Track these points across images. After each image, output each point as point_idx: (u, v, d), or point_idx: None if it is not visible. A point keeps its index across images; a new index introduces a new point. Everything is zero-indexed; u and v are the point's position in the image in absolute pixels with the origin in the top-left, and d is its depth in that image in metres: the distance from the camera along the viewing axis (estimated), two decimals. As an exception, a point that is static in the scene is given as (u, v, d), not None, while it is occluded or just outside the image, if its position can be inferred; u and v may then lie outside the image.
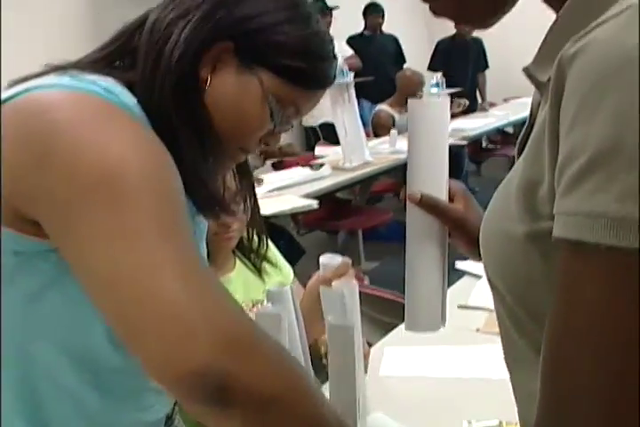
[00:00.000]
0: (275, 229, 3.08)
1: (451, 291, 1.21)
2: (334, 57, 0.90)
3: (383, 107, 5.08)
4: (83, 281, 0.65)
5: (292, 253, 3.28)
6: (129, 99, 0.77)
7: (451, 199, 0.90)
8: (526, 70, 0.59)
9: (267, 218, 2.62)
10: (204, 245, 0.97)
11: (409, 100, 0.87)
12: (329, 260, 1.24)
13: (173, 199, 0.69)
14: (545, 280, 0.52)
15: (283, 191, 3.01)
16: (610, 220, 0.41)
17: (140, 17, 0.87)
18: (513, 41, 7.19)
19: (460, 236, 0.88)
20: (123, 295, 0.61)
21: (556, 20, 0.55)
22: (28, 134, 0.67)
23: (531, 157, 0.54)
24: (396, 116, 4.98)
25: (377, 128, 4.97)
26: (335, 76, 0.91)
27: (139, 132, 0.72)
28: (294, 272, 3.31)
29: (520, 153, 0.63)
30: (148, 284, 0.60)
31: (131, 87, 0.79)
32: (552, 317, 0.48)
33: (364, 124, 4.65)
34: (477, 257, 0.64)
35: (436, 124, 0.87)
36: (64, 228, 0.65)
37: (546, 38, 0.56)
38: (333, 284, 1.03)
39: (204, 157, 0.84)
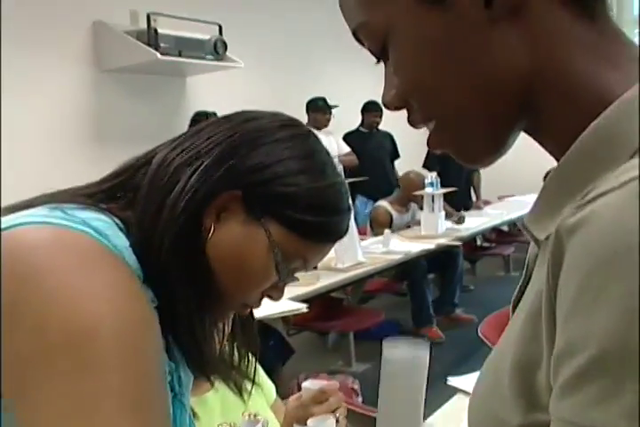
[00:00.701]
0: (264, 328, 3.00)
1: (442, 411, 1.11)
2: (349, 209, 0.84)
3: (383, 204, 5.10)
4: None
5: (282, 354, 3.18)
6: (121, 242, 0.71)
7: None
8: (521, 223, 0.54)
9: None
10: (189, 395, 0.90)
11: (383, 344, 0.78)
12: (312, 384, 1.18)
13: (146, 369, 0.62)
14: None
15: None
16: None
17: (147, 154, 0.82)
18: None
19: None
20: None
21: (556, 170, 0.50)
22: (6, 276, 0.61)
23: (527, 334, 0.48)
24: (395, 214, 5.00)
25: (374, 224, 4.97)
26: (348, 228, 0.85)
27: (122, 284, 0.66)
28: (283, 372, 3.18)
29: (515, 307, 0.57)
30: None
31: (127, 224, 0.74)
32: None
33: (358, 221, 4.64)
34: None
35: (412, 376, 0.77)
36: (20, 386, 0.59)
37: (545, 189, 0.51)
38: (309, 422, 0.95)
39: (202, 315, 0.77)
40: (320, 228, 0.80)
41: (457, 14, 0.51)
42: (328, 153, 0.85)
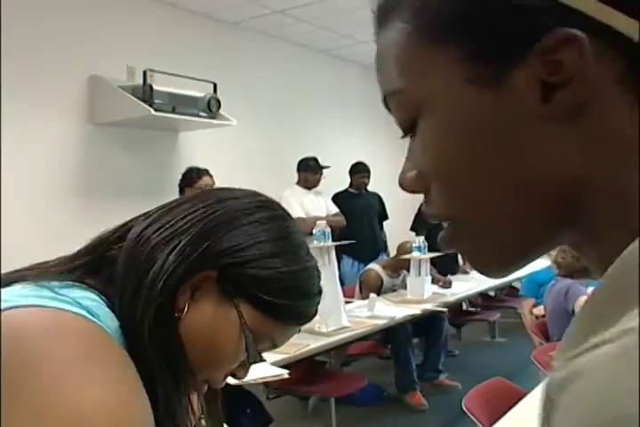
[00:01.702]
0: (241, 394, 2.92)
1: None
2: (320, 292, 0.85)
3: (375, 267, 5.08)
4: None
5: (258, 422, 3.08)
6: (112, 323, 0.70)
7: None
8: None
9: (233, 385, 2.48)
10: None
11: None
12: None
13: None
14: None
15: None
16: None
17: (120, 227, 0.82)
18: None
19: None
20: None
21: (585, 303, 0.42)
22: (4, 360, 0.60)
23: None
24: (385, 278, 4.98)
25: (363, 287, 4.94)
26: (317, 311, 0.86)
27: (119, 369, 0.65)
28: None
29: None
30: None
31: (112, 302, 0.74)
32: None
33: (344, 282, 4.60)
34: None
35: None
36: None
37: (577, 319, 0.43)
38: None
39: (178, 395, 0.76)
40: (292, 310, 0.81)
41: (509, 102, 0.44)
42: (302, 234, 0.86)
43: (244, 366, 0.83)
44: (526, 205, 0.45)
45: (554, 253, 3.89)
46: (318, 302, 0.85)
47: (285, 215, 0.85)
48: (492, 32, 0.44)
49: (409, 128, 0.50)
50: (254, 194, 0.85)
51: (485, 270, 0.50)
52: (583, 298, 3.48)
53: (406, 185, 0.51)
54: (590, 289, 3.91)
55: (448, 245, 0.50)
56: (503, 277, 0.51)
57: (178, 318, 0.76)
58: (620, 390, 0.31)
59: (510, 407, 2.25)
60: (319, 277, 0.85)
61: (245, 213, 0.80)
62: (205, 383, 0.83)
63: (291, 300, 0.80)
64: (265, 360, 0.84)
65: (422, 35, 0.47)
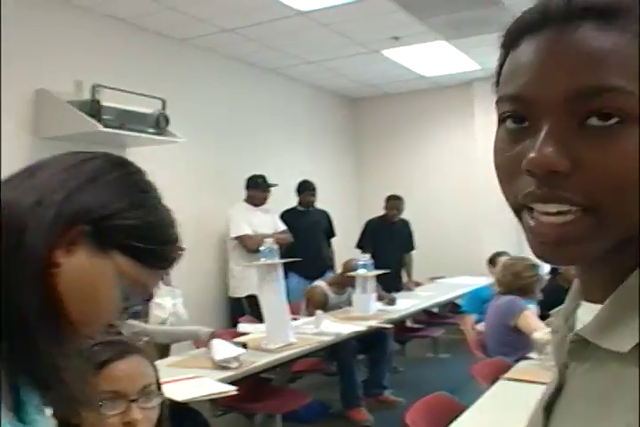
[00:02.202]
0: (186, 412, 2.90)
1: None
2: (177, 238, 0.93)
3: (320, 284, 5.11)
4: None
5: (204, 440, 3.06)
6: None
7: None
8: (574, 336, 0.54)
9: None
10: None
11: None
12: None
13: None
14: None
15: (199, 373, 2.88)
16: None
17: None
18: (438, 222, 7.51)
19: None
20: None
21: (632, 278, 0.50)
22: None
23: None
24: (331, 295, 5.01)
25: (309, 304, 4.96)
26: (178, 257, 0.94)
27: None
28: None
29: (547, 410, 0.57)
30: None
31: None
32: None
33: (290, 299, 4.63)
34: None
35: None
36: None
37: (617, 296, 0.50)
38: None
39: (62, 350, 0.80)
40: (159, 256, 0.89)
41: None
42: (156, 188, 0.93)
43: (124, 316, 0.90)
44: None
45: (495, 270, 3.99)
46: (179, 248, 0.93)
47: (140, 171, 0.93)
48: None
49: (609, 122, 0.49)
50: (108, 154, 0.93)
51: (567, 260, 0.53)
52: (526, 313, 3.55)
53: (549, 163, 0.49)
54: (531, 306, 4.02)
55: (561, 226, 0.51)
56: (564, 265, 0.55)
57: (55, 274, 0.81)
58: None
59: (451, 421, 2.31)
60: (175, 226, 0.93)
61: (106, 171, 0.88)
62: (85, 337, 0.89)
63: (158, 245, 0.88)
64: (140, 307, 0.91)
65: None
